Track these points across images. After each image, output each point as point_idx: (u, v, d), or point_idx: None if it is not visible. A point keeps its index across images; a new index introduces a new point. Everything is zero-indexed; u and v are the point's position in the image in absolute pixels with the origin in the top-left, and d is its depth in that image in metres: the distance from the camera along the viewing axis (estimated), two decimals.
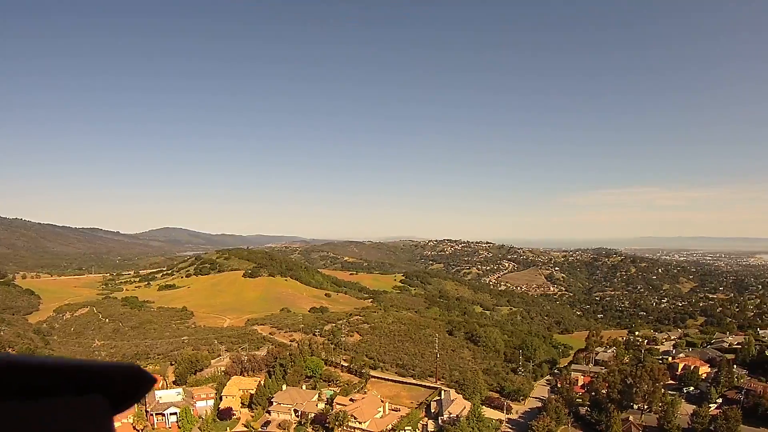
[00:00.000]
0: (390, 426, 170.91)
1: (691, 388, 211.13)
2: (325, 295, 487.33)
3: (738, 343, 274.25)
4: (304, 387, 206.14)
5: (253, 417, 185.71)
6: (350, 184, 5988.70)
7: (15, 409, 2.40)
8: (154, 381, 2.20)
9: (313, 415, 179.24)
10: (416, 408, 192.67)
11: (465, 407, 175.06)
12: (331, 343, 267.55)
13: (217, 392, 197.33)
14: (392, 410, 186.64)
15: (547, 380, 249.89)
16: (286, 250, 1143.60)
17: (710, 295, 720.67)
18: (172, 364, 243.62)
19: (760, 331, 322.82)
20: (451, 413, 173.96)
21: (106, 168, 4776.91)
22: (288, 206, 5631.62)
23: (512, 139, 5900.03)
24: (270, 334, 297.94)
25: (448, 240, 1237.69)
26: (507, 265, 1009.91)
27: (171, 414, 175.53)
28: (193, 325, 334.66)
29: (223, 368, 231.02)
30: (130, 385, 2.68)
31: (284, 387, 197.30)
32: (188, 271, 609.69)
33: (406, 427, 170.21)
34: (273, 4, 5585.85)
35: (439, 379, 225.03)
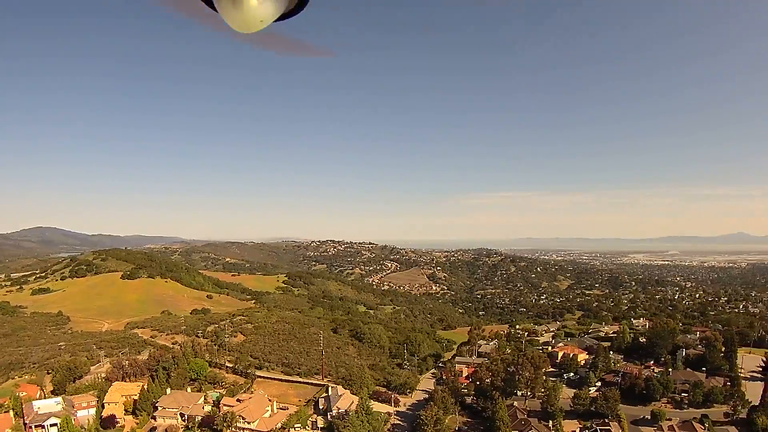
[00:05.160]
0: (279, 424, 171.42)
1: (571, 373, 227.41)
2: (207, 296, 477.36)
3: (614, 332, 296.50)
4: (189, 390, 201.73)
5: (138, 424, 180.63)
6: (232, 184, 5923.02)
7: None
8: None
9: (200, 418, 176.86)
10: (304, 405, 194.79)
11: (353, 402, 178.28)
12: (215, 345, 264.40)
13: (99, 400, 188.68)
14: (280, 409, 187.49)
15: (432, 373, 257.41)
16: (165, 251, 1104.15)
17: (587, 292, 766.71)
18: (49, 373, 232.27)
19: (634, 321, 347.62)
20: (339, 408, 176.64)
21: None
22: (167, 206, 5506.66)
23: (395, 140, 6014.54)
24: (151, 337, 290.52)
25: (331, 241, 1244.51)
26: (390, 265, 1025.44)
27: (51, 425, 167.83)
28: (69, 331, 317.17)
29: (103, 374, 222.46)
30: None
31: (169, 391, 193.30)
32: (63, 273, 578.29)
33: (295, 425, 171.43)
34: None
35: (325, 376, 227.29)
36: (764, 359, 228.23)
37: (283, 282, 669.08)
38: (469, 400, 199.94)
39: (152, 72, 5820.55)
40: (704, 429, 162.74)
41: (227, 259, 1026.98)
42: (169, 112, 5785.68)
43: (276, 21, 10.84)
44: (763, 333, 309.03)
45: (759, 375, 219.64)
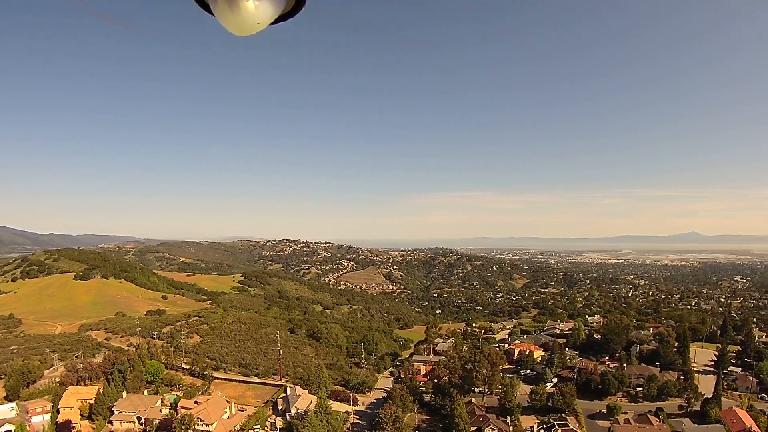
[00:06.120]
0: (238, 426, 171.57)
1: (528, 370, 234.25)
2: (162, 297, 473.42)
3: (569, 329, 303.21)
4: (145, 393, 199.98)
5: (94, 428, 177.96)
6: (186, 182, 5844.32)
7: None
8: None
9: (157, 421, 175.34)
10: (263, 406, 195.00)
11: (312, 402, 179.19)
12: (171, 346, 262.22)
13: (54, 405, 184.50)
14: (239, 410, 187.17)
15: (390, 372, 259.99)
16: (119, 250, 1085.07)
17: (542, 290, 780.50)
18: (1, 378, 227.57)
19: (589, 318, 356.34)
20: (298, 408, 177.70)
21: None
22: (121, 204, 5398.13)
23: (350, 140, 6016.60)
24: (106, 339, 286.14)
25: (287, 240, 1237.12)
26: (346, 264, 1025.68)
27: None
28: (21, 334, 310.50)
29: (58, 378, 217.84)
30: None
31: (125, 394, 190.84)
32: (14, 274, 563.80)
33: (254, 426, 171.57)
34: None
35: (283, 377, 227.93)
36: (716, 353, 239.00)
37: (239, 282, 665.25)
38: (427, 398, 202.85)
39: (96, 68, 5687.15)
40: (659, 421, 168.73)
41: (182, 259, 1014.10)
42: (124, 112, 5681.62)
43: (273, 23, 10.59)
44: (715, 329, 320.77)
45: (711, 368, 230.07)
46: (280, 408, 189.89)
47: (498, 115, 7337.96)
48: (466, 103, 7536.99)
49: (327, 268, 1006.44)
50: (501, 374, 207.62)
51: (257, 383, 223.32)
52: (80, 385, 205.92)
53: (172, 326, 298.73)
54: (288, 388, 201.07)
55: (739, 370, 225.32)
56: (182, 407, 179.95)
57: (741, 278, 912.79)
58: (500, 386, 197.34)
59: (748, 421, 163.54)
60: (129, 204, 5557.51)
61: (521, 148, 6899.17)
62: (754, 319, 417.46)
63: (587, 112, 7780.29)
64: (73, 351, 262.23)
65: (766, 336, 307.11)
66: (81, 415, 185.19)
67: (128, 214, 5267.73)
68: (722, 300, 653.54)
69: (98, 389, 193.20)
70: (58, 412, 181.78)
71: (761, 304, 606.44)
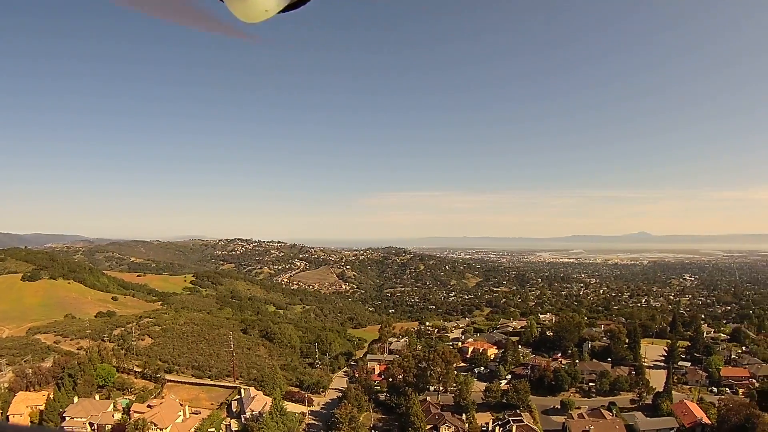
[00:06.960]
0: (192, 429, 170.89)
1: (482, 368, 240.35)
2: (112, 298, 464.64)
3: (522, 327, 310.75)
4: (97, 397, 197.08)
5: None
6: (137, 180, 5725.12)
7: None
8: None
9: (110, 426, 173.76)
10: (217, 409, 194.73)
11: (267, 403, 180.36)
12: (122, 349, 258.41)
13: (3, 412, 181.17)
14: (193, 413, 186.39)
15: (344, 372, 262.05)
16: (68, 250, 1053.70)
17: (495, 289, 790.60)
18: None
19: (541, 316, 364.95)
20: (253, 410, 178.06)
21: None
22: (69, 202, 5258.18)
23: (302, 139, 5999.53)
24: (55, 343, 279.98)
25: (239, 239, 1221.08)
26: (299, 264, 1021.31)
27: None
28: None
29: (6, 384, 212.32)
30: None
31: (76, 399, 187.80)
32: None
33: (209, 429, 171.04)
34: None
35: (237, 378, 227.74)
36: (666, 349, 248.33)
37: (191, 282, 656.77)
38: (382, 396, 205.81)
39: (52, 67, 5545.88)
40: (612, 415, 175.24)
41: (132, 259, 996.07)
42: (70, 108, 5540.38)
43: (281, 12, 10.38)
44: (664, 325, 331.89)
45: (662, 363, 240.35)
46: (234, 410, 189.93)
47: (453, 116, 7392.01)
48: (422, 103, 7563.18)
49: (279, 267, 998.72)
50: (455, 372, 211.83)
51: (211, 385, 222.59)
52: (30, 391, 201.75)
53: (123, 328, 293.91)
54: (242, 390, 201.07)
55: (688, 364, 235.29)
56: (135, 411, 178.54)
57: (689, 276, 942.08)
58: (455, 384, 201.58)
59: (699, 413, 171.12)
60: (78, 202, 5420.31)
61: (476, 149, 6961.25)
62: (703, 316, 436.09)
63: (540, 113, 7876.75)
64: (21, 355, 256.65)
65: (714, 331, 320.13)
66: (31, 421, 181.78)
67: (77, 213, 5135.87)
68: (671, 297, 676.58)
69: (48, 395, 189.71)
70: (7, 419, 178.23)
71: (709, 302, 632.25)
